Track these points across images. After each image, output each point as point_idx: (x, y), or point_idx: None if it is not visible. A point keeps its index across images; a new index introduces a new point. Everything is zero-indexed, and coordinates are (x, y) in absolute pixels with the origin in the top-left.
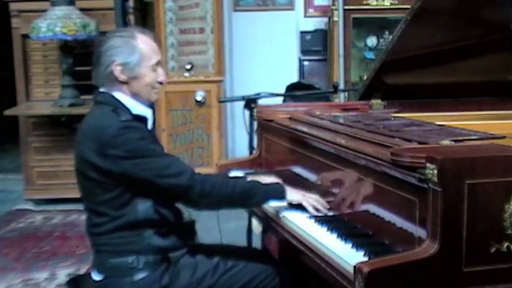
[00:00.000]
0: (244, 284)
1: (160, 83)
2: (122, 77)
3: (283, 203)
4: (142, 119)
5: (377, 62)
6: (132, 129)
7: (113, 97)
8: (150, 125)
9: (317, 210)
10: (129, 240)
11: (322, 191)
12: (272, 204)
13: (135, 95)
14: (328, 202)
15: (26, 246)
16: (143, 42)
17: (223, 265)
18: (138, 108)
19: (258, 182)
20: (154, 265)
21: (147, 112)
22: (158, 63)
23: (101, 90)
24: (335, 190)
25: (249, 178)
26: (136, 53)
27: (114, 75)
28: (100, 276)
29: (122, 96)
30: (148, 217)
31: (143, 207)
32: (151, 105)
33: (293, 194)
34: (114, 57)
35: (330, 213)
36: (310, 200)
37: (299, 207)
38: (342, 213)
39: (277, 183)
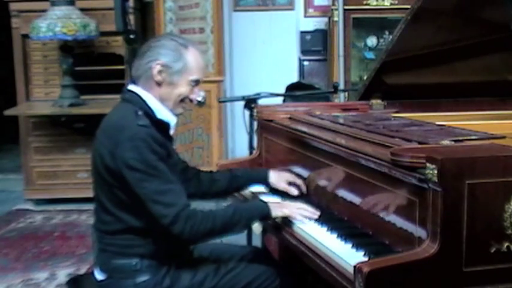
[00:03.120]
0: (245, 285)
1: (191, 100)
2: (158, 78)
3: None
4: (164, 125)
5: (377, 62)
6: (146, 137)
7: (140, 97)
8: (172, 131)
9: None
10: (134, 243)
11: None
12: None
13: (163, 100)
14: (328, 202)
15: (26, 246)
16: (192, 55)
17: (223, 267)
18: (163, 112)
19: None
20: (156, 268)
21: (171, 119)
22: (197, 82)
23: (130, 88)
24: (335, 190)
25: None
26: (181, 62)
27: (152, 73)
28: (103, 276)
29: (150, 98)
30: (156, 226)
31: (152, 216)
32: None
33: (277, 210)
34: (159, 55)
35: (316, 216)
36: (299, 210)
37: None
38: (342, 213)
39: (261, 200)
